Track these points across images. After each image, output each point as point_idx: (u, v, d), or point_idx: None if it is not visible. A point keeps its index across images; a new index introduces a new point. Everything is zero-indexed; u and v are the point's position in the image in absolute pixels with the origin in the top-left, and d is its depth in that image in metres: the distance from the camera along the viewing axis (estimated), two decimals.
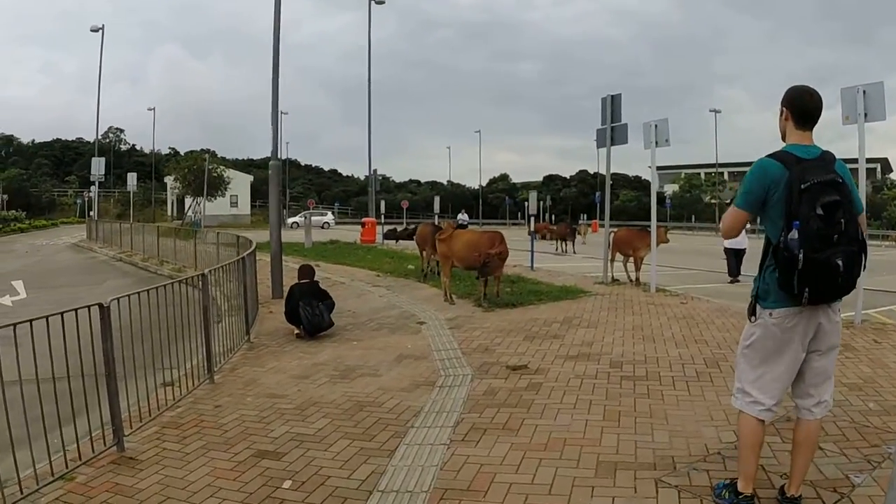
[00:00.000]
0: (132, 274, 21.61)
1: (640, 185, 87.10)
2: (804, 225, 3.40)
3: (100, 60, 42.97)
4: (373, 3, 38.49)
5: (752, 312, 3.79)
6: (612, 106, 14.42)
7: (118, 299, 5.53)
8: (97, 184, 40.95)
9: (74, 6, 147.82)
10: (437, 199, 35.86)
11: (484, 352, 8.33)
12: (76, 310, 5.03)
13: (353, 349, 8.91)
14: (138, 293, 6.13)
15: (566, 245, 28.77)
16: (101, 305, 5.22)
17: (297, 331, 9.89)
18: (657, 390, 6.47)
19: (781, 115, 3.83)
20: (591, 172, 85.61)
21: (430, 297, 12.90)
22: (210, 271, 7.99)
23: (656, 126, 13.13)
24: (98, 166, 38.47)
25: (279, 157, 14.44)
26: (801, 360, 3.73)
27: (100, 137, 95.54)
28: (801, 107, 3.73)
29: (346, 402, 6.47)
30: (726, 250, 16.30)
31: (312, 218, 59.99)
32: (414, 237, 18.84)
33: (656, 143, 13.13)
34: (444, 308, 11.66)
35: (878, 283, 15.25)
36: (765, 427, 3.88)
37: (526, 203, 21.66)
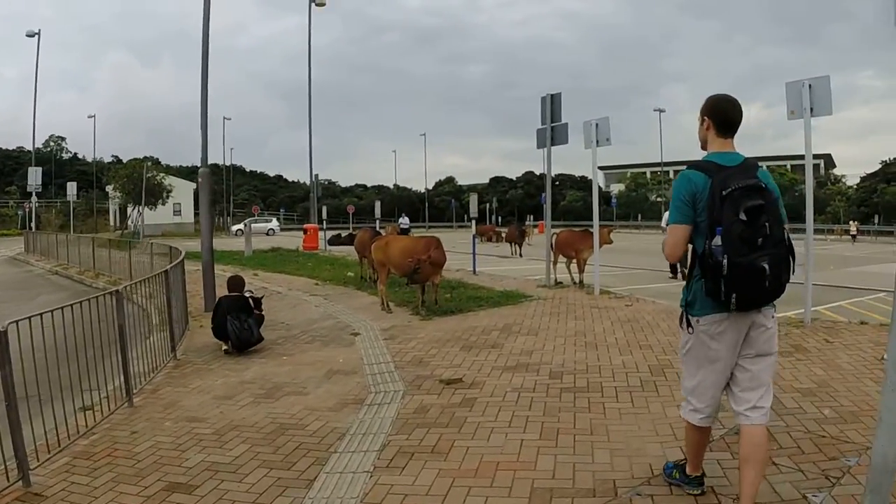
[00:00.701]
0: (67, 287, 20.69)
1: (587, 185, 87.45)
2: (727, 230, 3.38)
3: (36, 66, 41.58)
4: (313, 5, 37.53)
5: (684, 322, 3.79)
6: (553, 105, 14.02)
7: (16, 322, 5.11)
8: (34, 194, 39.25)
9: (13, 10, 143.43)
10: (377, 204, 35.18)
11: (418, 364, 7.86)
12: None
13: (282, 365, 8.44)
14: (41, 314, 5.62)
15: (516, 248, 28.29)
16: None
17: (224, 346, 9.33)
18: (598, 403, 6.04)
19: (702, 124, 3.79)
20: (538, 174, 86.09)
21: (368, 306, 12.38)
22: (126, 287, 7.37)
23: (597, 125, 12.76)
24: (35, 176, 36.96)
25: (208, 163, 13.71)
26: (733, 366, 3.70)
27: (40, 146, 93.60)
28: (722, 115, 3.73)
29: (268, 424, 6.03)
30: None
31: (256, 225, 59.63)
32: (353, 243, 18.25)
33: (597, 142, 12.77)
34: (381, 317, 11.17)
35: (825, 278, 15.21)
36: (709, 433, 4.04)
37: (455, 205, 21.33)
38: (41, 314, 5.60)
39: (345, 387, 7.16)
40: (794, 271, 3.52)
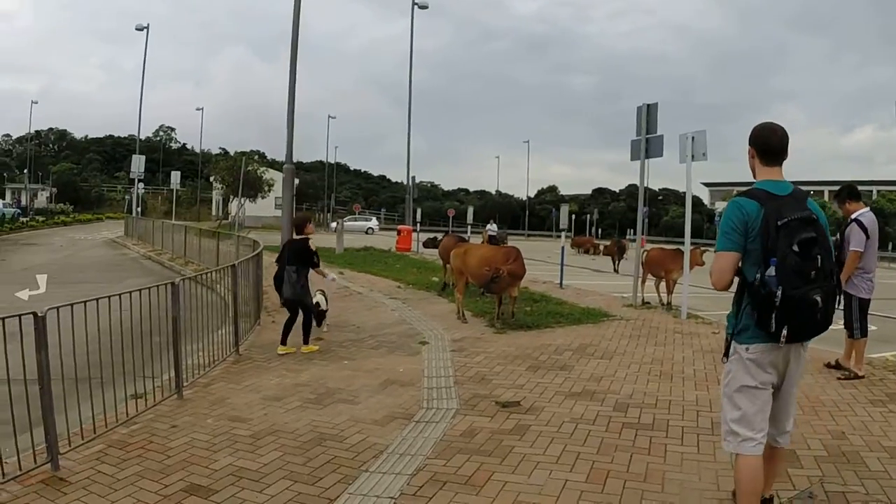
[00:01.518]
0: (156, 273, 21.22)
1: (692, 202, 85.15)
2: (782, 261, 3.37)
3: (144, 59, 43.30)
4: (417, 8, 37.62)
5: (727, 352, 3.74)
6: (649, 115, 13.35)
7: (57, 308, 5.15)
8: (137, 181, 40.83)
9: (130, 6, 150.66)
10: (470, 210, 34.72)
11: (479, 381, 7.49)
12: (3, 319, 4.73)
13: (341, 369, 8.24)
14: (84, 302, 5.57)
15: (617, 263, 26.58)
16: (35, 315, 4.85)
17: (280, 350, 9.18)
18: (661, 444, 5.52)
19: (749, 154, 3.82)
20: None
21: (444, 314, 12.10)
22: (182, 280, 7.27)
23: (693, 138, 12.07)
24: (138, 164, 38.35)
25: (293, 160, 13.79)
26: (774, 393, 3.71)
27: (151, 135, 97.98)
28: (765, 144, 3.75)
29: (308, 432, 5.85)
30: None
31: (356, 223, 60.42)
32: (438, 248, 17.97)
33: (692, 156, 12.08)
34: (455, 327, 10.86)
35: None
36: (762, 469, 3.72)
37: (555, 214, 20.68)
38: (84, 302, 5.56)
39: (398, 399, 6.91)
40: (840, 304, 3.67)
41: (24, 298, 13.05)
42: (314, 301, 9.87)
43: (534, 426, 5.96)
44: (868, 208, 7.79)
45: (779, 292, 3.34)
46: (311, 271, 9.53)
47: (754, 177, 3.80)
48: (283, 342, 9.20)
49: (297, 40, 13.85)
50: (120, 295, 6.06)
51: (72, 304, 5.36)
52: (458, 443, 5.57)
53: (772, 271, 3.37)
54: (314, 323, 9.73)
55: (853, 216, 7.58)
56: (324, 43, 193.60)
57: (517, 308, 11.53)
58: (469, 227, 33.64)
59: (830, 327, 3.57)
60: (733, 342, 3.69)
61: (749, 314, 3.54)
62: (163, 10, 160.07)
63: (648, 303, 13.85)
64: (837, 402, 6.74)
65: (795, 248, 3.37)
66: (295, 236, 9.88)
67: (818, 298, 3.37)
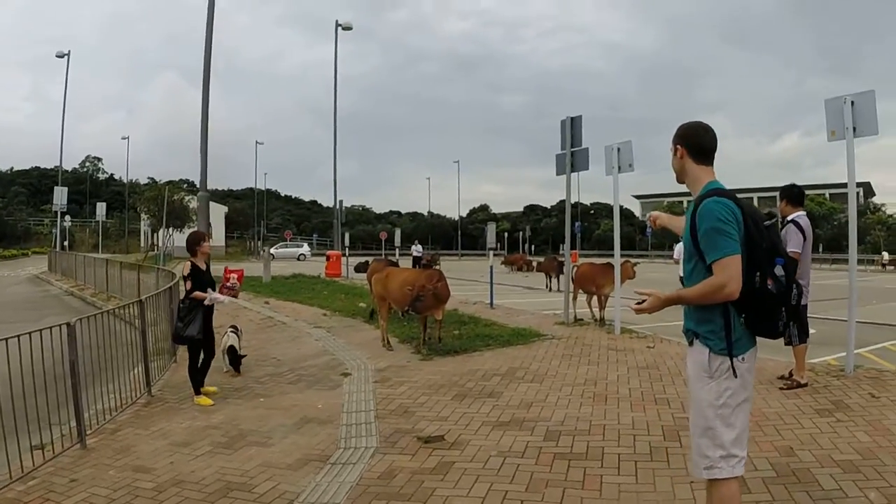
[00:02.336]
0: (77, 309, 20.15)
1: (622, 213, 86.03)
2: (787, 261, 3.37)
3: (65, 86, 41.70)
4: (344, 31, 37.15)
5: (724, 370, 3.34)
6: (573, 129, 13.06)
7: None
8: (59, 214, 39.28)
9: (60, 33, 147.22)
10: (397, 232, 34.02)
11: (402, 415, 6.96)
12: None
13: (256, 408, 7.67)
14: None
15: (553, 281, 25.69)
16: None
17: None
18: (595, 476, 5.06)
19: (675, 153, 3.61)
20: (573, 202, 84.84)
21: (369, 342, 11.51)
22: (79, 320, 6.60)
23: (619, 149, 11.80)
24: (60, 196, 36.83)
25: (207, 188, 13.09)
26: None
27: (77, 166, 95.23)
28: (698, 142, 3.55)
29: (215, 482, 5.32)
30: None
31: (287, 250, 59.49)
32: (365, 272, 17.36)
33: (619, 168, 11.80)
34: (379, 355, 10.29)
35: (867, 314, 14.01)
36: None
37: (485, 233, 20.17)
38: None
39: (313, 439, 6.37)
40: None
41: None
42: (227, 343, 9.12)
43: (458, 463, 5.45)
44: (805, 213, 7.55)
45: (795, 290, 3.36)
46: (212, 298, 8.33)
47: (682, 178, 3.64)
48: (196, 391, 8.19)
49: (210, 67, 13.31)
50: (7, 339, 5.51)
51: None
52: (375, 486, 5.07)
53: (780, 270, 3.31)
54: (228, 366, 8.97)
55: (790, 217, 7.34)
56: (255, 67, 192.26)
57: (444, 332, 11.03)
58: (397, 249, 32.99)
59: None
60: (734, 360, 3.34)
61: (742, 323, 3.34)
62: (90, 39, 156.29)
63: (581, 319, 13.52)
64: (782, 414, 6.40)
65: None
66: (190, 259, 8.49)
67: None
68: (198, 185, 13.49)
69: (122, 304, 9.46)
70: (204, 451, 6.11)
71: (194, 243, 8.52)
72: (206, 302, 8.20)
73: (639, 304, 3.46)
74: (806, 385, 7.35)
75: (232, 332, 9.69)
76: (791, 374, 7.58)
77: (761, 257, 3.28)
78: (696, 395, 3.44)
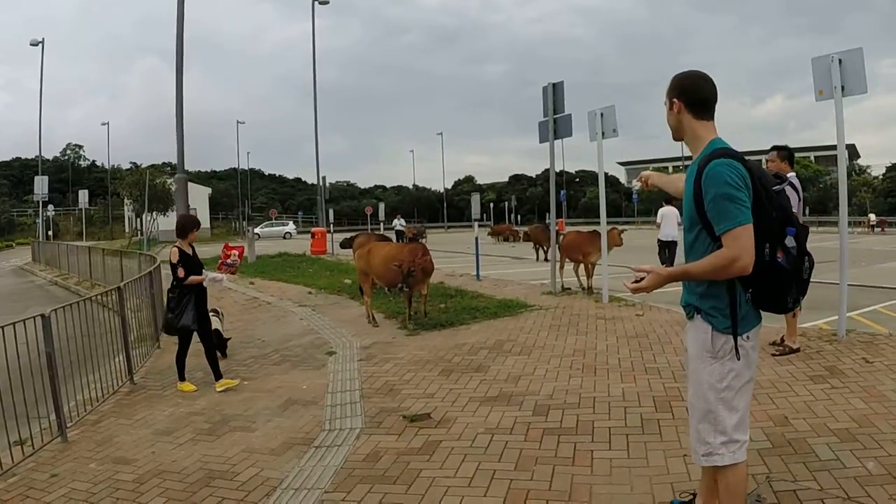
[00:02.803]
0: (62, 298, 19.77)
1: (608, 180, 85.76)
2: (798, 230, 3.07)
3: (41, 74, 41.45)
4: (319, 4, 36.65)
5: (728, 350, 3.07)
6: (555, 95, 12.80)
7: None
8: (41, 203, 38.80)
9: (34, 23, 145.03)
10: (381, 206, 33.68)
11: (387, 393, 6.82)
12: None
13: (240, 392, 7.55)
14: None
15: (543, 250, 24.50)
16: None
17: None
18: (586, 451, 4.91)
19: (671, 108, 3.22)
20: (558, 170, 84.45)
21: (355, 319, 11.34)
22: (54, 311, 6.41)
23: (602, 114, 11.57)
24: (41, 185, 36.25)
25: (185, 169, 12.87)
26: None
27: (59, 154, 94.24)
28: (696, 93, 3.17)
29: (197, 471, 5.20)
30: (660, 242, 15.03)
31: (272, 229, 59.15)
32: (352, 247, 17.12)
33: (603, 133, 11.58)
34: (365, 332, 10.13)
35: (856, 276, 13.90)
36: None
37: (471, 203, 19.89)
38: None
39: (298, 421, 6.24)
40: None
41: None
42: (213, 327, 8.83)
43: (445, 442, 5.30)
44: (794, 173, 7.38)
45: (807, 263, 3.06)
46: (210, 279, 8.09)
47: (679, 136, 3.28)
48: (181, 377, 7.95)
49: (183, 47, 12.96)
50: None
51: None
52: (360, 469, 4.92)
53: (791, 241, 3.01)
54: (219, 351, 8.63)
55: (788, 176, 7.15)
56: (235, 46, 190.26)
57: (430, 306, 10.87)
58: (382, 224, 32.73)
59: None
60: (735, 338, 3.06)
61: (748, 299, 3.07)
62: (65, 27, 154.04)
63: (569, 289, 13.37)
64: (775, 381, 6.25)
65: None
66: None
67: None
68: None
69: (99, 292, 9.23)
70: (186, 439, 6.00)
71: (190, 228, 8.07)
72: (205, 283, 7.95)
73: (636, 281, 3.10)
74: (798, 350, 7.21)
75: (213, 315, 9.47)
76: (783, 340, 7.39)
77: (771, 227, 2.98)
78: (696, 376, 3.18)
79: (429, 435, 5.50)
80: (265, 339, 10.43)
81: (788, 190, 6.57)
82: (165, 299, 8.05)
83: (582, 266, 13.34)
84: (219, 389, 7.62)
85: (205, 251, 12.80)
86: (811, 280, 3.09)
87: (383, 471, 4.84)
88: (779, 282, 3.00)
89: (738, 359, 3.05)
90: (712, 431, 3.11)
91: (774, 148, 7.54)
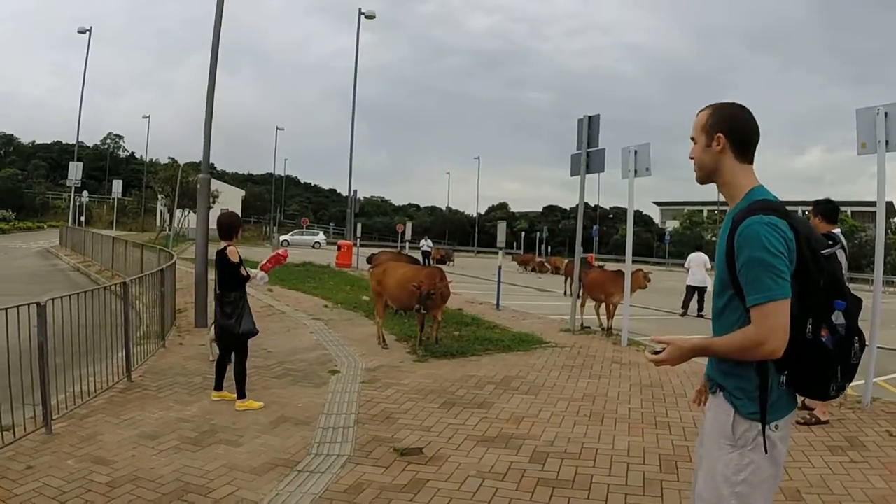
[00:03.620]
0: (81, 285, 20.11)
1: (641, 219, 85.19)
2: (849, 303, 2.52)
3: (85, 62, 42.09)
4: (368, 19, 36.83)
5: (753, 441, 2.51)
6: (590, 128, 12.57)
7: None
8: (73, 189, 39.26)
9: (89, 13, 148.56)
10: (409, 225, 33.39)
11: (383, 421, 6.54)
12: None
13: (232, 402, 7.25)
14: None
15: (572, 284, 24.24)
16: None
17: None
18: None
19: (713, 144, 2.67)
20: (592, 205, 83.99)
21: (366, 338, 11.09)
22: (52, 300, 6.26)
23: (636, 152, 11.29)
24: (75, 171, 36.76)
25: (209, 169, 12.73)
26: None
27: (99, 142, 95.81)
28: (745, 131, 2.67)
29: (173, 482, 4.98)
30: (688, 288, 14.78)
31: (302, 237, 59.30)
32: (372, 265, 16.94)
33: (635, 171, 11.28)
34: (373, 353, 9.88)
35: (885, 338, 13.38)
36: None
37: (494, 231, 19.58)
38: None
39: (286, 441, 5.98)
40: None
41: None
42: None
43: (432, 481, 5.02)
44: (839, 230, 6.97)
45: (856, 344, 2.51)
46: (261, 277, 7.53)
47: (711, 178, 2.75)
48: (218, 387, 7.53)
49: (218, 46, 12.84)
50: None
51: None
52: (339, 502, 4.66)
53: (840, 318, 2.50)
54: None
55: (834, 232, 6.72)
56: (282, 54, 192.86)
57: (444, 333, 10.61)
58: (407, 243, 32.57)
59: None
60: (763, 426, 2.53)
61: (783, 382, 2.52)
62: (118, 18, 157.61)
63: (588, 327, 13.03)
64: (791, 448, 5.84)
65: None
66: (221, 245, 7.36)
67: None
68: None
69: (103, 286, 9.07)
70: (169, 447, 5.76)
71: (237, 227, 7.45)
72: (253, 282, 7.41)
73: (656, 353, 2.68)
74: (827, 423, 6.64)
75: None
76: (809, 406, 6.76)
77: (818, 299, 2.48)
78: (709, 462, 2.64)
79: (417, 471, 5.21)
80: (272, 349, 10.19)
81: (839, 253, 5.92)
82: (217, 304, 7.37)
83: (603, 305, 13.00)
84: (239, 409, 7.05)
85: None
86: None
87: None
88: (821, 366, 2.50)
89: (765, 451, 2.53)
90: None
91: (816, 203, 7.11)
